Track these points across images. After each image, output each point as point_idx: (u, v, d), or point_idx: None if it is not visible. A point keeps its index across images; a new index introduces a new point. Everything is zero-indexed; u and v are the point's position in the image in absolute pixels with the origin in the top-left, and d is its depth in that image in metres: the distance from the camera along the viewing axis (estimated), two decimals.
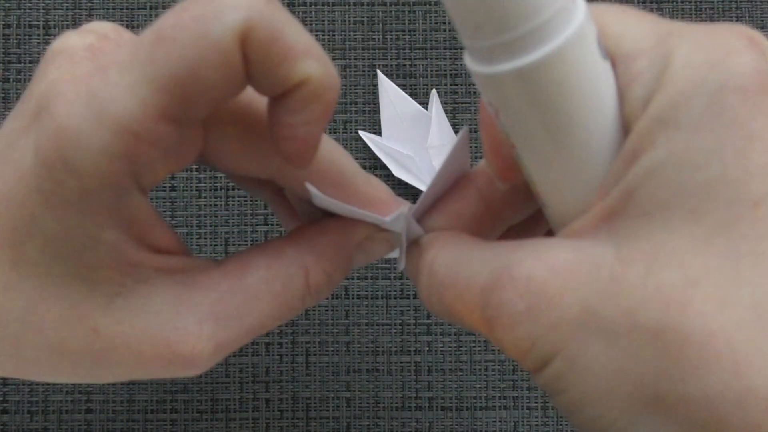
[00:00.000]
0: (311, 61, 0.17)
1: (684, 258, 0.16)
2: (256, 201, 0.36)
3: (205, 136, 0.20)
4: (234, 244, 0.36)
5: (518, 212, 0.23)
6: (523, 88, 0.17)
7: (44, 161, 0.18)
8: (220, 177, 0.36)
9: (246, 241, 0.36)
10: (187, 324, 0.19)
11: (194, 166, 0.36)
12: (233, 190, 0.36)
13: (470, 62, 0.18)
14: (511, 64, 0.17)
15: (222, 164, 0.21)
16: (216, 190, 0.36)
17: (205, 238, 0.36)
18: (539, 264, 0.17)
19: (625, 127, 0.18)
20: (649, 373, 0.16)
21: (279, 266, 0.21)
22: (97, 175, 0.17)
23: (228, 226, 0.36)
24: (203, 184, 0.36)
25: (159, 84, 0.17)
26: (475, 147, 0.37)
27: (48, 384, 0.35)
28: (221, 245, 0.36)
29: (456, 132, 0.36)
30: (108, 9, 0.37)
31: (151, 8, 0.37)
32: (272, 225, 0.36)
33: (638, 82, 0.17)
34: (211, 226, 0.36)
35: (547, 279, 0.17)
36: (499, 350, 0.35)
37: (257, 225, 0.36)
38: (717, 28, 0.17)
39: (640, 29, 0.18)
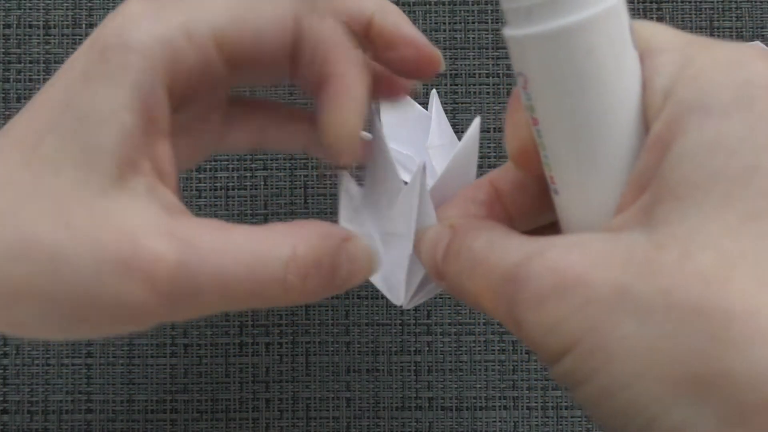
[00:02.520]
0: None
1: (719, 241, 0.16)
2: (256, 201, 0.36)
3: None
4: None
5: (529, 210, 0.23)
6: (555, 51, 0.18)
7: (101, 45, 0.20)
8: (220, 177, 0.36)
9: None
10: (159, 236, 0.19)
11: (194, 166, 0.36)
12: (233, 190, 0.36)
13: (507, 28, 0.18)
14: (548, 24, 0.17)
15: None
16: (216, 190, 0.36)
17: None
18: (572, 247, 0.17)
19: (645, 117, 0.18)
20: (687, 351, 0.15)
21: (265, 231, 0.21)
22: (146, 54, 0.20)
23: None
24: (203, 185, 0.36)
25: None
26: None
27: (48, 384, 0.35)
28: None
29: (457, 132, 0.36)
30: (108, 9, 0.37)
31: None
32: None
33: (661, 73, 0.18)
34: None
35: (578, 259, 0.17)
36: (499, 350, 0.36)
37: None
38: (735, 43, 0.18)
39: (668, 34, 0.19)
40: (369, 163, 0.24)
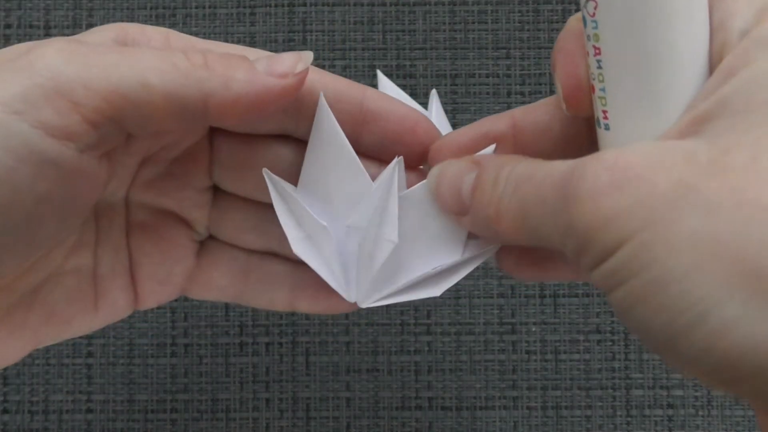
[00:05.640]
0: None
1: None
2: None
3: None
4: None
5: (546, 155, 0.23)
6: None
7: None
8: None
9: None
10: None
11: None
12: None
13: None
14: None
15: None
16: None
17: None
18: (627, 151, 0.17)
19: (717, 56, 0.18)
20: (753, 247, 0.15)
21: None
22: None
23: None
24: None
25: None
26: None
27: (49, 384, 0.35)
28: None
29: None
30: (108, 9, 0.37)
31: (151, 8, 0.37)
32: None
33: (738, 16, 0.18)
34: None
35: (636, 159, 0.17)
36: (499, 350, 0.36)
37: None
38: None
39: None
40: (315, 153, 0.23)
